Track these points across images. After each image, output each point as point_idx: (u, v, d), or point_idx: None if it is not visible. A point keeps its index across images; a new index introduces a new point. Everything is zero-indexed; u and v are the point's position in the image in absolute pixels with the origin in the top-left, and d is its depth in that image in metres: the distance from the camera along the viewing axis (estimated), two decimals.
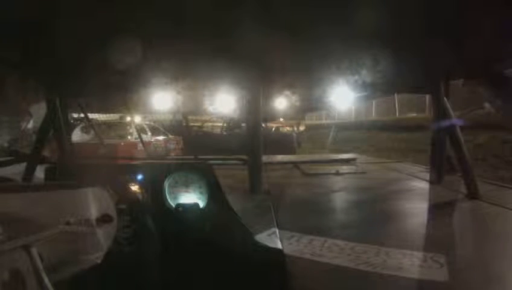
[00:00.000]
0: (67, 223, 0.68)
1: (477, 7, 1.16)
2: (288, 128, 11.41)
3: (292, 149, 8.51)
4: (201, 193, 1.16)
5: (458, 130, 2.31)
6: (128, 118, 7.50)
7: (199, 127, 10.19)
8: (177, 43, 1.54)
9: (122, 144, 6.10)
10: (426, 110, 9.65)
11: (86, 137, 5.90)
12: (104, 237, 0.77)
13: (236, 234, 1.13)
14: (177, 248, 1.00)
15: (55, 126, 2.28)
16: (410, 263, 1.22)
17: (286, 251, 1.29)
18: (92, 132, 5.29)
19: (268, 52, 1.66)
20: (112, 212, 0.81)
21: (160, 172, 1.18)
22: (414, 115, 10.67)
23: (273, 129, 10.77)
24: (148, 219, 0.99)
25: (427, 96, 8.54)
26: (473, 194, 2.15)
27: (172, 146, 7.82)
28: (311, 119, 17.30)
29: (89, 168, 1.28)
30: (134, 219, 0.95)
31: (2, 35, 1.31)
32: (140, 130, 6.73)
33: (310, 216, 1.91)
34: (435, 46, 1.55)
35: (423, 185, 2.68)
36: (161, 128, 8.49)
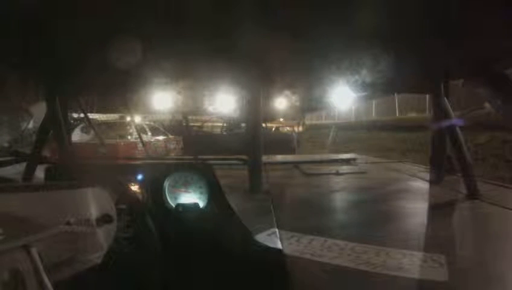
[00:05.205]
0: (67, 223, 0.68)
1: (477, 7, 1.16)
2: (288, 128, 11.40)
3: (292, 149, 8.51)
4: (201, 193, 1.16)
5: (458, 130, 2.31)
6: (128, 118, 7.50)
7: (199, 127, 10.19)
8: (177, 43, 1.54)
9: (122, 144, 6.10)
10: (426, 110, 9.65)
11: (86, 137, 5.91)
12: (104, 237, 0.77)
13: (236, 234, 1.13)
14: (177, 248, 1.00)
15: (55, 126, 2.28)
16: (411, 263, 1.22)
17: (286, 251, 1.29)
18: (92, 132, 5.29)
19: (268, 52, 1.66)
20: (112, 212, 0.81)
21: (160, 172, 1.18)
22: (414, 115, 10.68)
23: (273, 129, 10.78)
24: (148, 219, 0.99)
25: (427, 96, 8.54)
26: (473, 194, 2.15)
27: (172, 146, 7.82)
28: (311, 119, 17.30)
29: (89, 168, 1.28)
30: (134, 219, 0.95)
31: (2, 35, 1.31)
32: (140, 130, 6.73)
33: (310, 216, 1.91)
34: (435, 46, 1.55)
35: (423, 185, 2.68)
36: (161, 128, 8.50)
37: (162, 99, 3.08)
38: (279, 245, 1.34)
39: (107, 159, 4.05)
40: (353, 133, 11.88)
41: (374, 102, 13.00)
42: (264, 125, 4.60)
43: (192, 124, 9.29)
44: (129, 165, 2.38)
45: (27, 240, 0.58)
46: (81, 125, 6.00)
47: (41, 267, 0.57)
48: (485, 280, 1.13)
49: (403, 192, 2.58)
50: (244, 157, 2.68)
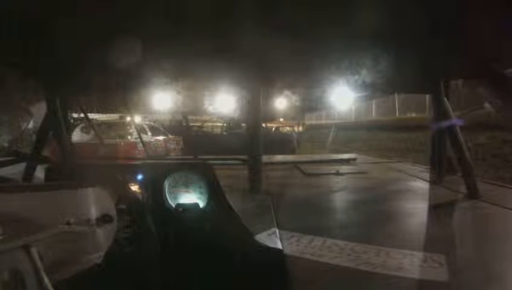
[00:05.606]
0: (67, 223, 0.68)
1: (477, 7, 1.16)
2: (288, 128, 11.40)
3: (292, 149, 8.51)
4: (201, 193, 1.16)
5: (458, 130, 2.31)
6: (128, 118, 7.50)
7: (199, 127, 10.18)
8: (177, 43, 1.54)
9: (122, 144, 6.09)
10: (426, 110, 9.64)
11: (86, 137, 5.90)
12: (104, 237, 0.77)
13: (236, 234, 1.13)
14: (177, 248, 1.00)
15: (55, 126, 2.28)
16: (411, 263, 1.22)
17: (286, 251, 1.29)
18: (92, 132, 5.28)
19: (268, 52, 1.66)
20: (112, 212, 0.81)
21: (160, 172, 1.18)
22: (414, 115, 10.66)
23: (273, 129, 10.77)
24: (148, 219, 0.99)
25: (427, 96, 8.54)
26: (473, 194, 2.15)
27: (172, 146, 7.81)
28: (311, 119, 17.29)
29: (89, 168, 1.28)
30: (134, 219, 0.95)
31: (2, 35, 1.31)
32: (140, 130, 6.72)
33: (310, 216, 1.91)
34: (435, 46, 1.55)
35: (423, 185, 2.68)
36: (161, 128, 8.49)
37: (162, 99, 3.09)
38: (279, 245, 1.34)
39: (107, 159, 4.05)
40: (353, 133, 11.88)
41: (374, 102, 12.99)
42: (264, 125, 4.60)
43: (192, 124, 9.28)
44: (129, 165, 2.39)
45: (27, 240, 0.58)
46: (81, 125, 5.99)
47: (41, 267, 0.57)
48: (485, 279, 1.13)
49: (403, 192, 2.58)
50: (244, 157, 2.68)
